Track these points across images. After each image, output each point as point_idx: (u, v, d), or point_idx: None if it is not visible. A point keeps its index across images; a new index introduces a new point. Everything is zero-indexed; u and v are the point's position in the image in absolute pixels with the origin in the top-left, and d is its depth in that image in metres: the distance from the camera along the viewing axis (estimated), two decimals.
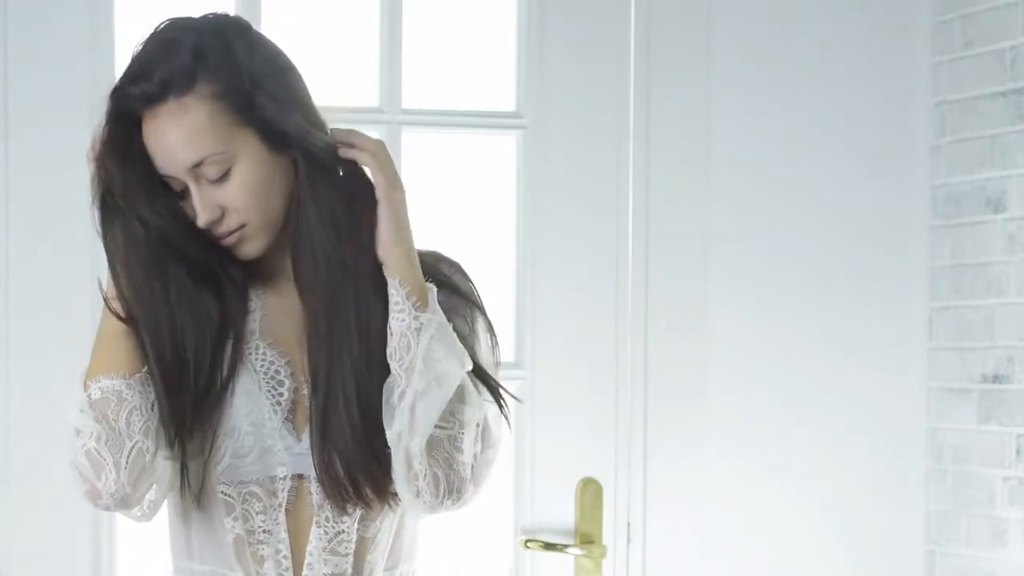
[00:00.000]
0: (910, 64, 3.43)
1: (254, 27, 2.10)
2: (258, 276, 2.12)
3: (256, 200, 2.02)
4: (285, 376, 2.08)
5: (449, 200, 3.25)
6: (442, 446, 2.02)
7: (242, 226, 2.04)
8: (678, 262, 3.30)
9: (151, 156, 2.02)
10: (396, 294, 2.03)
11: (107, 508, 2.02)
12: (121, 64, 2.99)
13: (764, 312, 3.35)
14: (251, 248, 2.06)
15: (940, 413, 3.40)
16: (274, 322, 2.10)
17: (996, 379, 3.28)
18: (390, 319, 2.03)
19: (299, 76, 2.08)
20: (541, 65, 3.24)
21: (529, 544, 3.22)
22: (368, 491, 2.05)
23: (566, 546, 3.22)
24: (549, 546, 3.22)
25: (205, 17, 2.06)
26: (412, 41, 3.18)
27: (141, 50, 2.03)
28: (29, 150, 2.97)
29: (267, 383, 2.07)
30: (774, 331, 3.35)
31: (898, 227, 3.43)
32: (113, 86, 2.03)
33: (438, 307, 2.04)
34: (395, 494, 2.06)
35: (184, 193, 2.04)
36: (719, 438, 3.31)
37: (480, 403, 2.06)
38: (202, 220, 2.02)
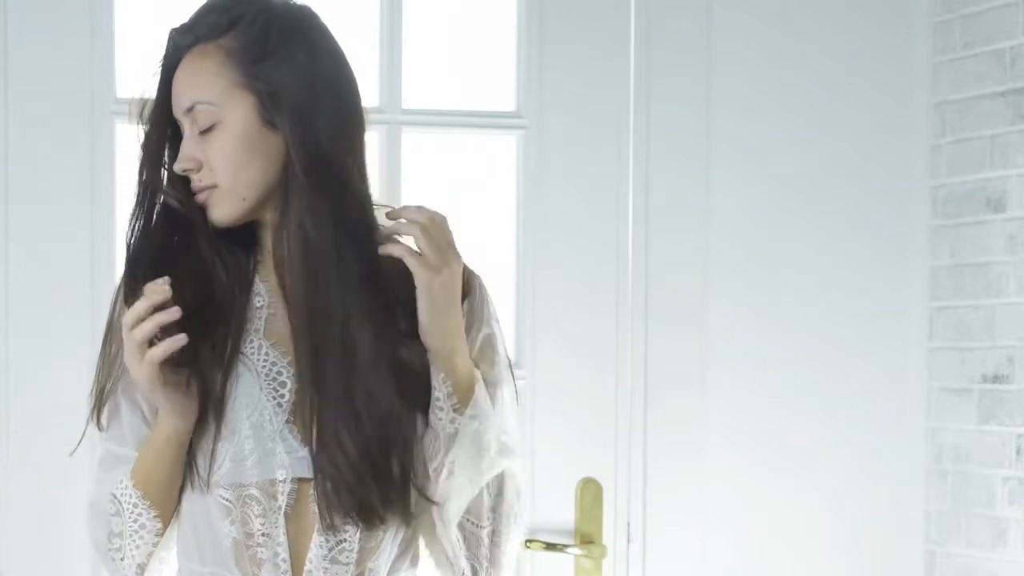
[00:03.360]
0: (910, 64, 3.43)
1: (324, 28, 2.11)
2: (269, 270, 2.11)
3: (230, 163, 2.03)
4: (287, 377, 2.06)
5: (449, 200, 3.25)
6: (483, 544, 2.06)
7: (213, 186, 2.04)
8: (678, 262, 3.30)
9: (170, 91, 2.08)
10: (438, 388, 2.04)
11: None
12: (121, 64, 3.01)
13: (764, 312, 3.35)
14: (219, 213, 2.05)
15: (940, 413, 3.40)
16: (280, 321, 2.09)
17: (996, 379, 3.28)
18: (431, 411, 2.04)
19: (340, 85, 2.06)
20: (541, 65, 3.24)
21: (529, 544, 3.22)
22: (354, 514, 2.04)
23: (566, 546, 3.22)
24: (549, 546, 3.22)
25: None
26: (412, 41, 3.18)
27: (205, 4, 2.08)
28: (29, 150, 2.97)
29: (268, 383, 2.06)
30: (774, 331, 3.35)
31: (898, 227, 3.43)
32: (171, 31, 2.09)
33: (479, 407, 2.04)
34: (393, 512, 2.06)
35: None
36: (719, 438, 3.31)
37: (520, 490, 2.08)
38: (178, 165, 2.05)
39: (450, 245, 2.03)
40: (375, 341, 2.02)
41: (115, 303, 2.10)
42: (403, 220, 2.01)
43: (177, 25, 2.09)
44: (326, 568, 2.05)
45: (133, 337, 1.96)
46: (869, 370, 3.41)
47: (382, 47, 3.16)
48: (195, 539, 2.08)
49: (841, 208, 3.40)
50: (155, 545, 2.06)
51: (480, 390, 2.05)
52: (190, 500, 2.08)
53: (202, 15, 2.07)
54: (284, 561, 2.04)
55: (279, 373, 2.06)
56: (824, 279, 3.39)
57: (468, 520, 2.06)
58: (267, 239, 2.10)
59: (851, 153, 3.40)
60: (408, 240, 2.03)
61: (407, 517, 2.06)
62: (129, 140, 3.04)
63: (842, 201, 3.40)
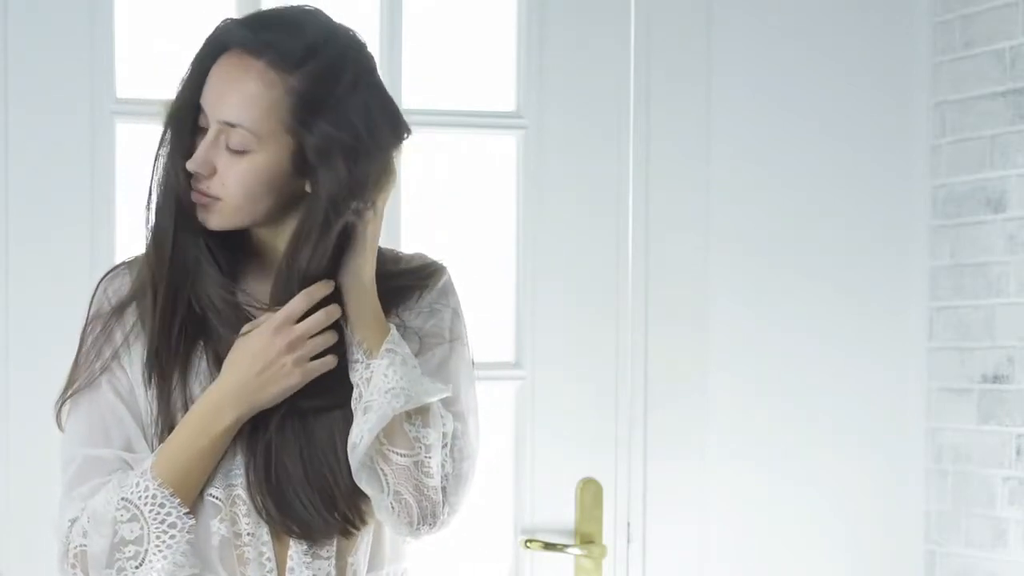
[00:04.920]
0: (910, 64, 3.43)
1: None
2: (253, 278, 2.11)
3: (246, 192, 2.01)
4: None
5: (449, 200, 3.25)
6: (410, 473, 2.03)
7: (218, 199, 2.02)
8: (678, 262, 3.30)
9: (205, 84, 2.02)
10: (351, 343, 2.05)
11: None
12: (121, 64, 3.02)
13: (764, 312, 3.35)
14: (213, 220, 2.04)
15: (940, 413, 3.40)
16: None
17: (996, 379, 3.28)
18: (349, 369, 2.05)
19: (383, 144, 2.05)
20: (541, 65, 3.24)
21: (529, 544, 3.22)
22: (297, 526, 2.05)
23: (566, 546, 3.22)
24: (549, 546, 3.22)
25: (345, 27, 2.06)
26: (412, 41, 3.18)
27: (278, 8, 2.04)
28: (29, 150, 2.97)
29: None
30: (774, 331, 3.35)
31: (898, 227, 3.43)
32: (227, 19, 2.04)
33: (392, 345, 2.04)
34: (349, 524, 2.07)
35: (201, 137, 2.03)
36: (719, 438, 3.31)
37: (443, 422, 2.06)
38: (192, 164, 2.02)
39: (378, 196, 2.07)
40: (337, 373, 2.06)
41: (93, 299, 2.11)
42: None
43: (238, 18, 2.04)
44: (307, 563, 2.06)
45: (308, 346, 2.01)
46: (869, 370, 3.41)
47: (382, 47, 3.16)
48: None
49: (841, 208, 3.40)
50: (189, 544, 2.01)
51: (393, 333, 2.04)
52: None
53: (276, 25, 2.02)
54: (269, 560, 2.06)
55: None
56: (824, 279, 3.39)
57: (392, 451, 2.02)
58: (259, 242, 2.10)
59: (851, 153, 3.40)
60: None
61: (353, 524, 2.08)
62: (129, 140, 3.05)
63: (842, 201, 3.40)
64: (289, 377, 2.01)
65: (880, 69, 3.42)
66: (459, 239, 3.20)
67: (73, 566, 2.01)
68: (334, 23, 2.05)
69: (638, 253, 3.28)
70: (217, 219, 2.04)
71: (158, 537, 1.99)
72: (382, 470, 2.02)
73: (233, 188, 2.01)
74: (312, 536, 2.05)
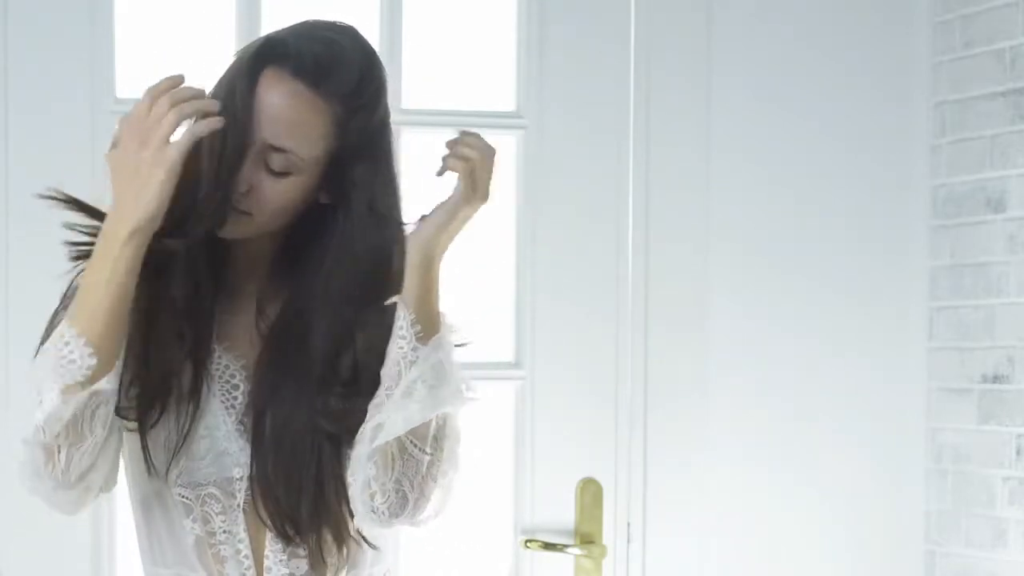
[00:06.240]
0: (910, 64, 3.43)
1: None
2: (231, 268, 2.11)
3: (277, 209, 2.02)
4: (240, 380, 2.08)
5: None
6: (420, 471, 2.02)
7: (247, 214, 2.01)
8: (678, 262, 3.30)
9: (256, 100, 1.99)
10: (402, 318, 2.01)
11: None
12: (121, 64, 3.01)
13: (764, 312, 3.35)
14: (232, 231, 2.02)
15: (940, 413, 3.40)
16: (228, 323, 2.10)
17: (996, 379, 3.28)
18: (391, 343, 2.01)
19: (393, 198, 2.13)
20: (541, 65, 3.24)
21: (529, 544, 3.22)
22: (290, 528, 2.05)
23: (566, 546, 3.22)
24: (549, 546, 3.22)
25: (374, 50, 2.07)
26: (412, 41, 3.18)
27: (324, 30, 2.03)
28: (29, 150, 2.97)
29: (220, 388, 2.07)
30: (774, 331, 3.35)
31: (898, 227, 3.43)
32: (280, 33, 2.03)
33: (444, 341, 2.02)
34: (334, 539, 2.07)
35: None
36: (719, 438, 3.31)
37: (460, 440, 2.06)
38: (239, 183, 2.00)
39: (489, 181, 2.12)
40: (333, 359, 2.05)
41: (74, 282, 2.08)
42: (458, 154, 2.10)
43: (278, 33, 2.03)
44: (283, 561, 2.07)
45: (158, 133, 1.91)
46: (869, 370, 3.41)
47: (382, 47, 3.16)
48: (157, 541, 2.10)
49: (841, 208, 3.40)
50: (84, 378, 1.95)
51: (445, 329, 2.03)
52: (147, 503, 2.10)
53: (324, 52, 2.00)
54: (247, 558, 2.07)
55: (232, 376, 2.08)
56: (824, 279, 3.39)
57: (411, 442, 2.00)
58: (251, 251, 2.09)
59: (851, 153, 3.40)
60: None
61: (340, 533, 2.07)
62: None
63: (842, 201, 3.40)
64: (155, 170, 1.91)
65: (880, 69, 3.42)
66: (459, 239, 3.20)
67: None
68: (369, 47, 2.06)
69: (638, 253, 3.28)
70: (234, 230, 2.03)
71: (54, 370, 1.97)
72: (392, 455, 2.01)
73: (268, 207, 2.01)
74: (293, 540, 2.05)
